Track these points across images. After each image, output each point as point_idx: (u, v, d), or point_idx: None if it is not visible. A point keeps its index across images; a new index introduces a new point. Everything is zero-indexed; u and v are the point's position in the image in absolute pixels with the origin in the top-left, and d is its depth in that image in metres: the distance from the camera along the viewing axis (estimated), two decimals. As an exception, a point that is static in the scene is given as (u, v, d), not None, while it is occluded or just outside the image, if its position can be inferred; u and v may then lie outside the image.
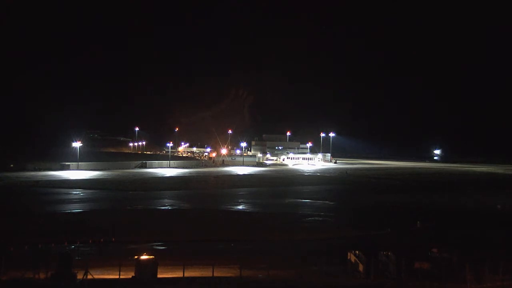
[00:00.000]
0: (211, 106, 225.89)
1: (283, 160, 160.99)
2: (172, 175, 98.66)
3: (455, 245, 31.02)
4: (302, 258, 30.07)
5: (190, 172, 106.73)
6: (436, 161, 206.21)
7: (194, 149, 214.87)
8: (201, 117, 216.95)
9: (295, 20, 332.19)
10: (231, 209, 52.93)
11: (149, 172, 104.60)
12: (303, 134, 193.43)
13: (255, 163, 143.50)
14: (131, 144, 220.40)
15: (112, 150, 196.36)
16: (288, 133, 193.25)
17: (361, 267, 26.04)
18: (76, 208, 51.78)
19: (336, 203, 59.58)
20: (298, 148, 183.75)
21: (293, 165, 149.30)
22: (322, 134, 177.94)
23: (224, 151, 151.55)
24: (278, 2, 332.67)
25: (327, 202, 60.44)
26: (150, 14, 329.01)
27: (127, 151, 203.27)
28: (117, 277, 24.18)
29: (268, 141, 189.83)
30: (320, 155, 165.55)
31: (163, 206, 55.00)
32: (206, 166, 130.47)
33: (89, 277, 23.38)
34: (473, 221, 45.93)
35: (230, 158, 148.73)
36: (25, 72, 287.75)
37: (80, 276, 23.32)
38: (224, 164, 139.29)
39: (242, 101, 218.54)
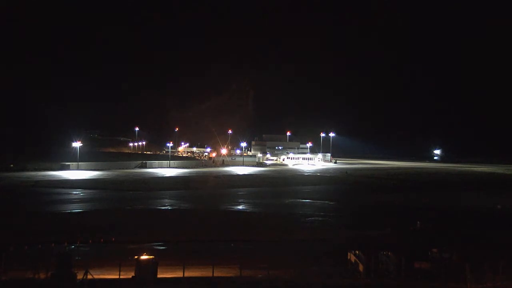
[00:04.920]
0: (211, 106, 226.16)
1: (283, 160, 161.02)
2: (172, 175, 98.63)
3: (455, 245, 31.01)
4: (302, 258, 30.04)
5: (190, 172, 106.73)
6: (436, 161, 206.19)
7: (194, 149, 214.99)
8: (201, 117, 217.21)
9: (296, 19, 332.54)
10: (231, 209, 52.89)
11: (149, 172, 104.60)
12: (303, 134, 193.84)
13: (255, 163, 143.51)
14: (131, 144, 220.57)
15: (112, 150, 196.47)
16: (288, 133, 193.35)
17: (361, 267, 26.03)
18: (76, 208, 51.73)
19: (336, 203, 59.53)
20: (298, 148, 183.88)
21: (293, 165, 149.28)
22: (322, 134, 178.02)
23: (224, 151, 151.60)
24: (278, 2, 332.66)
25: (327, 202, 60.39)
26: (150, 14, 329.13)
27: (127, 151, 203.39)
28: (117, 277, 24.19)
29: (268, 141, 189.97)
30: (320, 155, 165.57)
31: (163, 206, 54.95)
32: (206, 166, 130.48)
33: (89, 277, 23.36)
34: (473, 221, 45.93)
35: (230, 158, 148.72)
36: (25, 72, 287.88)
37: (80, 276, 23.30)
38: (224, 164, 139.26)
39: (243, 98, 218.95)
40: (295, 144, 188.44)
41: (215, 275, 24.61)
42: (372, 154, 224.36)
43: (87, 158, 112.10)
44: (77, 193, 64.47)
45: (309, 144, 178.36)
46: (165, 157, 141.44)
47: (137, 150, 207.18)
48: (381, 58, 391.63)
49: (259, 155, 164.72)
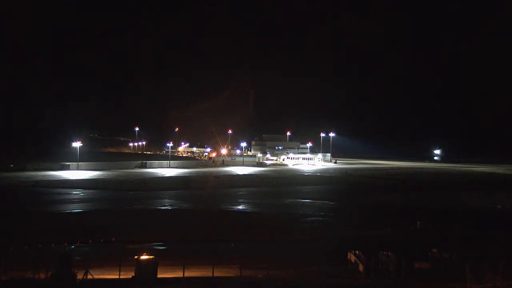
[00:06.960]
0: (211, 106, 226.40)
1: (283, 160, 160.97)
2: (172, 175, 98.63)
3: (455, 245, 31.01)
4: (302, 258, 30.05)
5: (190, 172, 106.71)
6: (436, 161, 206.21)
7: (194, 149, 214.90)
8: (201, 117, 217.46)
9: (296, 19, 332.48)
10: (231, 209, 52.90)
11: (149, 172, 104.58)
12: (303, 134, 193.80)
13: (255, 163, 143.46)
14: (131, 144, 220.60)
15: (112, 150, 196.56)
16: (288, 133, 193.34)
17: (361, 267, 26.01)
18: (76, 208, 51.74)
19: (336, 203, 59.54)
20: (298, 148, 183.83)
21: (293, 165, 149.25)
22: (322, 134, 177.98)
23: (224, 151, 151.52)
24: (278, 2, 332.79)
25: (327, 202, 60.39)
26: (150, 14, 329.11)
27: (127, 151, 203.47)
28: (117, 277, 24.19)
29: (268, 141, 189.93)
30: (320, 155, 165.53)
31: (163, 206, 54.97)
32: (206, 166, 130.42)
33: (89, 277, 23.37)
34: (473, 221, 45.93)
35: (230, 158, 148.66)
36: (25, 73, 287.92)
37: (80, 276, 23.31)
38: (224, 164, 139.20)
39: (243, 98, 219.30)
40: (295, 144, 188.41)
41: (215, 275, 24.61)
42: (372, 154, 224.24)
43: (87, 158, 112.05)
44: (77, 193, 64.46)
45: (309, 144, 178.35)
46: (165, 157, 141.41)
47: (137, 150, 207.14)
48: (381, 58, 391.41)
49: (259, 155, 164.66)
